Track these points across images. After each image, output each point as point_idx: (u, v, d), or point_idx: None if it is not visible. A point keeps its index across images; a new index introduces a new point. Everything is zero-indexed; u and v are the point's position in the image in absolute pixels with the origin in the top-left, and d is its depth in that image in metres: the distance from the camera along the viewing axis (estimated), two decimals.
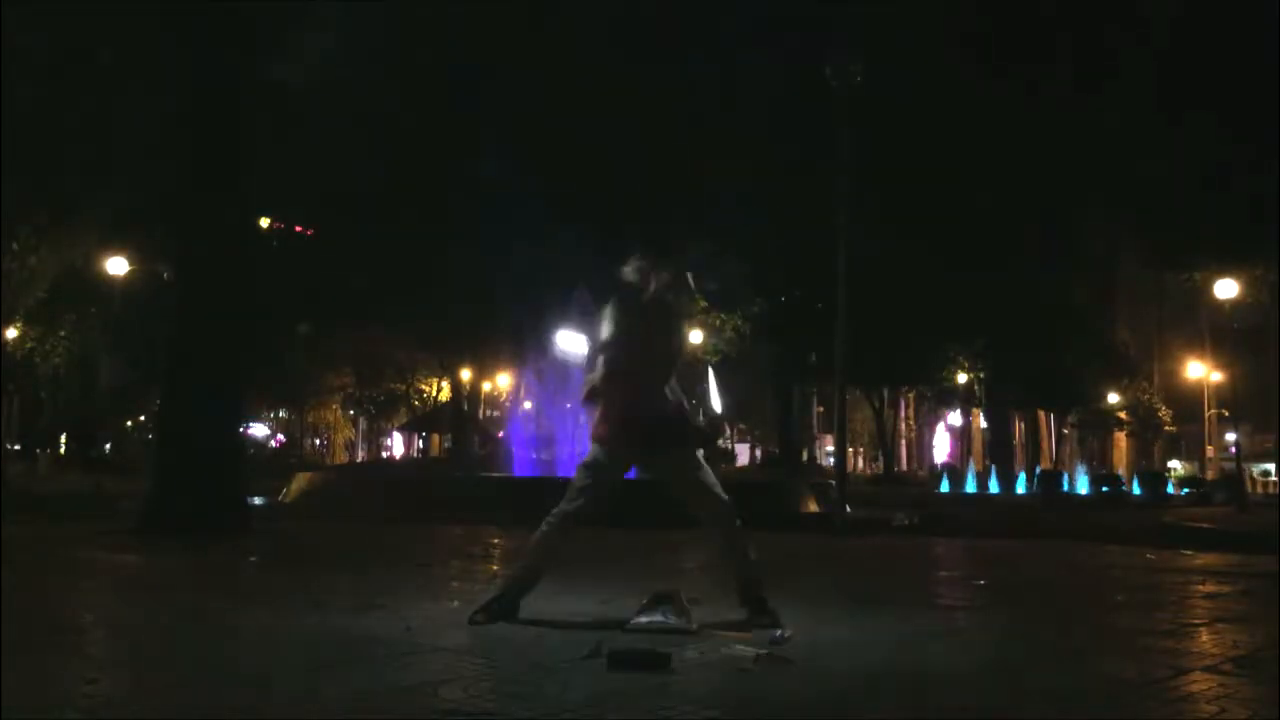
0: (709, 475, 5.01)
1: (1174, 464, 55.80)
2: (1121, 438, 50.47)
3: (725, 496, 4.95)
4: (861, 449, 68.08)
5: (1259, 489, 47.27)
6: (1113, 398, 47.16)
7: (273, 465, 34.67)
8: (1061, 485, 34.80)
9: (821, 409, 65.81)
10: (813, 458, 62.17)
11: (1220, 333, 39.66)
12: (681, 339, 5.47)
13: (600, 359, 4.96)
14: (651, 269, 5.00)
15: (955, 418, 61.09)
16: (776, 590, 5.07)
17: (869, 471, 60.75)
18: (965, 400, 50.13)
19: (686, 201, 35.90)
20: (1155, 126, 34.77)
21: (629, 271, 5.03)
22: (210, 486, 9.92)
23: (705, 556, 5.15)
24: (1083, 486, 36.40)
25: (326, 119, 30.11)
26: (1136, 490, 35.43)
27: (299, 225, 42.30)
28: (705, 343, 41.30)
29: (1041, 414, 50.33)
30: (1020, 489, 37.80)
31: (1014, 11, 35.05)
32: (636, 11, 35.03)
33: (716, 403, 5.36)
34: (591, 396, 5.00)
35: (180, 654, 4.17)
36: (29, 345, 36.81)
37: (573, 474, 5.08)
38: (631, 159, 34.82)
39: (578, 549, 5.20)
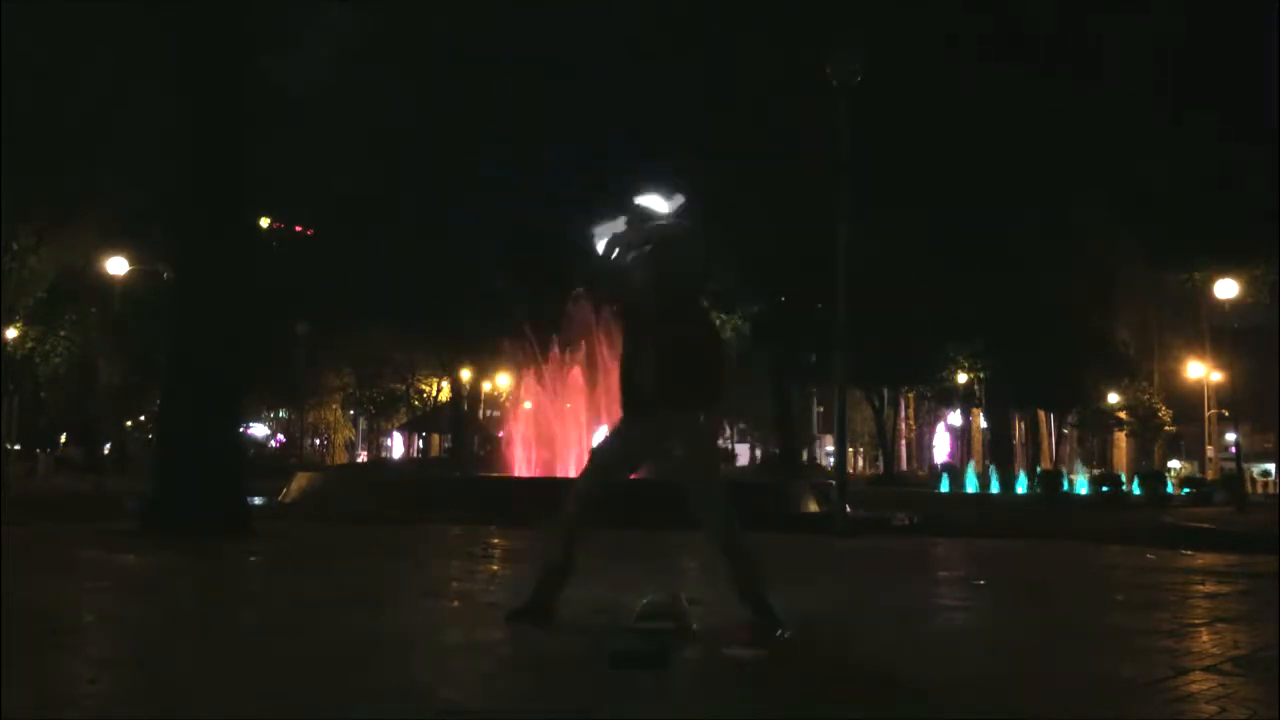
0: (717, 468, 4.97)
1: (1174, 464, 55.70)
2: (1121, 438, 50.44)
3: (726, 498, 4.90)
4: (861, 449, 68.06)
5: (1259, 489, 47.17)
6: (1113, 398, 47.11)
7: (273, 465, 34.66)
8: (1061, 485, 34.71)
9: (821, 409, 65.84)
10: (813, 458, 62.21)
11: (1220, 333, 39.63)
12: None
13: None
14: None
15: (955, 418, 61.06)
16: (776, 590, 5.07)
17: (869, 471, 60.72)
18: (965, 400, 50.10)
19: (687, 200, 35.87)
20: (1156, 126, 34.76)
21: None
22: (210, 487, 9.92)
23: (705, 557, 5.13)
24: (1083, 486, 36.33)
25: (327, 120, 30.14)
26: (1136, 490, 35.35)
27: (299, 225, 42.35)
28: None
29: (1041, 414, 50.30)
30: (1020, 489, 37.73)
31: (1014, 9, 35.05)
32: (634, 10, 35.07)
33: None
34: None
35: (180, 654, 4.17)
36: (29, 345, 36.83)
37: (571, 474, 5.09)
38: (629, 157, 34.85)
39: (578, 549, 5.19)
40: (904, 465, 62.74)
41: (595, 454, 5.18)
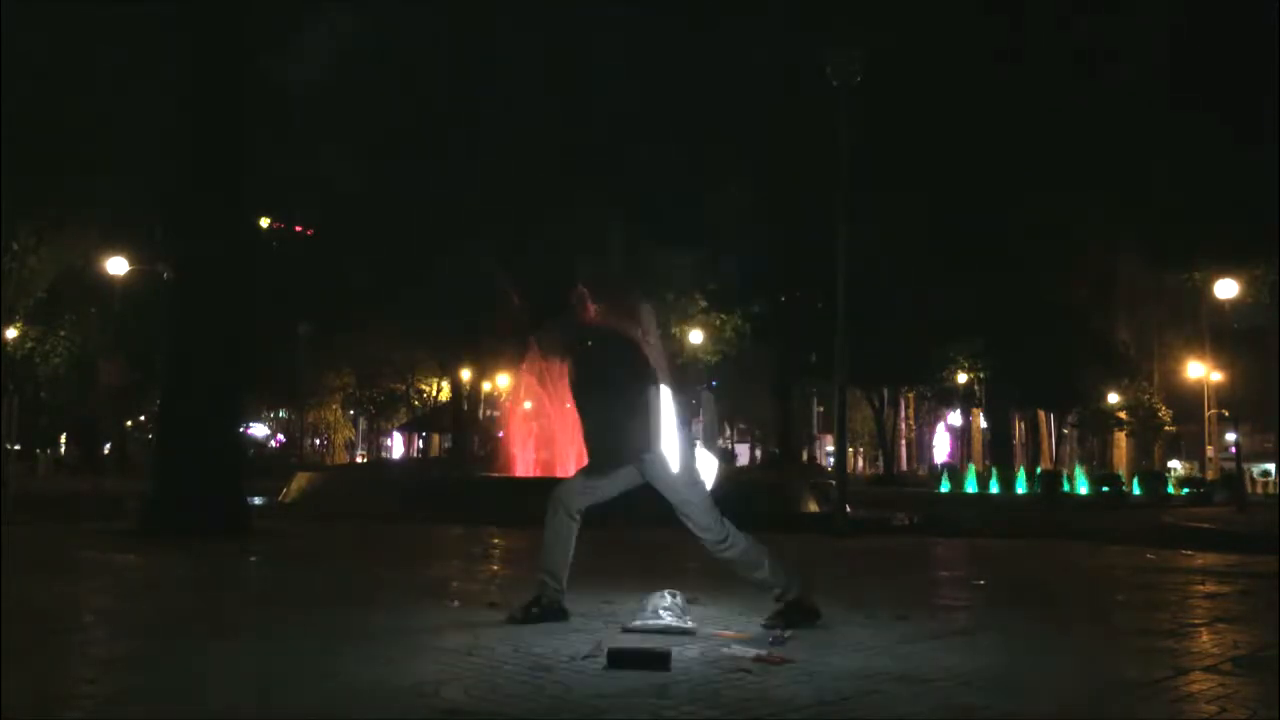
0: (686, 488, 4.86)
1: (1174, 464, 55.71)
2: (1121, 438, 50.42)
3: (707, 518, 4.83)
4: (861, 449, 68.06)
5: (1259, 489, 47.17)
6: (1113, 398, 47.09)
7: (273, 465, 34.65)
8: (1061, 485, 34.73)
9: (821, 409, 65.84)
10: (813, 458, 62.21)
11: (1220, 333, 39.64)
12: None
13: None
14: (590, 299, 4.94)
15: (955, 418, 61.05)
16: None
17: (869, 471, 60.72)
18: (965, 400, 50.10)
19: (687, 201, 35.95)
20: (1156, 126, 34.78)
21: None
22: (210, 487, 9.92)
23: (705, 557, 5.14)
24: (1083, 486, 36.35)
25: (327, 119, 30.13)
26: (1136, 490, 35.37)
27: (299, 225, 42.33)
28: (705, 343, 41.37)
29: (1041, 414, 50.30)
30: (1020, 489, 37.76)
31: (1015, 9, 35.08)
32: (633, 9, 35.05)
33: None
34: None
35: (180, 654, 4.17)
36: (29, 345, 36.84)
37: (571, 474, 5.10)
38: (629, 158, 34.85)
39: (577, 549, 5.19)
40: (904, 465, 62.76)
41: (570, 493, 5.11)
